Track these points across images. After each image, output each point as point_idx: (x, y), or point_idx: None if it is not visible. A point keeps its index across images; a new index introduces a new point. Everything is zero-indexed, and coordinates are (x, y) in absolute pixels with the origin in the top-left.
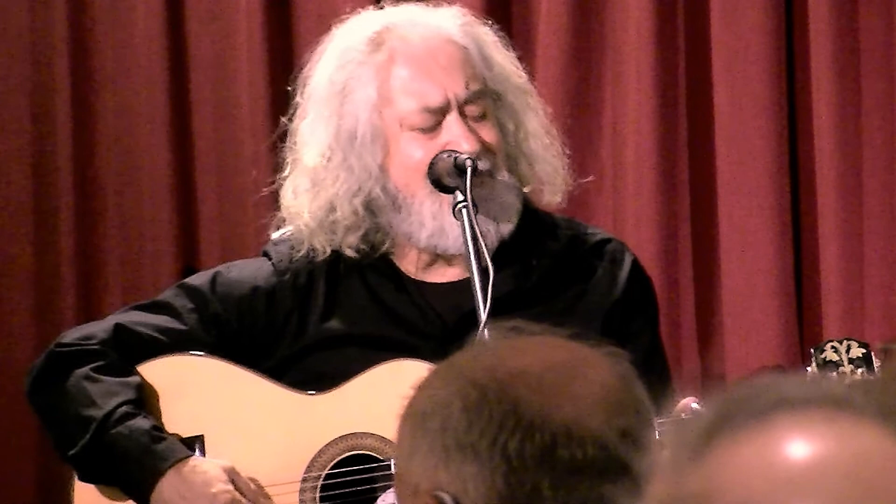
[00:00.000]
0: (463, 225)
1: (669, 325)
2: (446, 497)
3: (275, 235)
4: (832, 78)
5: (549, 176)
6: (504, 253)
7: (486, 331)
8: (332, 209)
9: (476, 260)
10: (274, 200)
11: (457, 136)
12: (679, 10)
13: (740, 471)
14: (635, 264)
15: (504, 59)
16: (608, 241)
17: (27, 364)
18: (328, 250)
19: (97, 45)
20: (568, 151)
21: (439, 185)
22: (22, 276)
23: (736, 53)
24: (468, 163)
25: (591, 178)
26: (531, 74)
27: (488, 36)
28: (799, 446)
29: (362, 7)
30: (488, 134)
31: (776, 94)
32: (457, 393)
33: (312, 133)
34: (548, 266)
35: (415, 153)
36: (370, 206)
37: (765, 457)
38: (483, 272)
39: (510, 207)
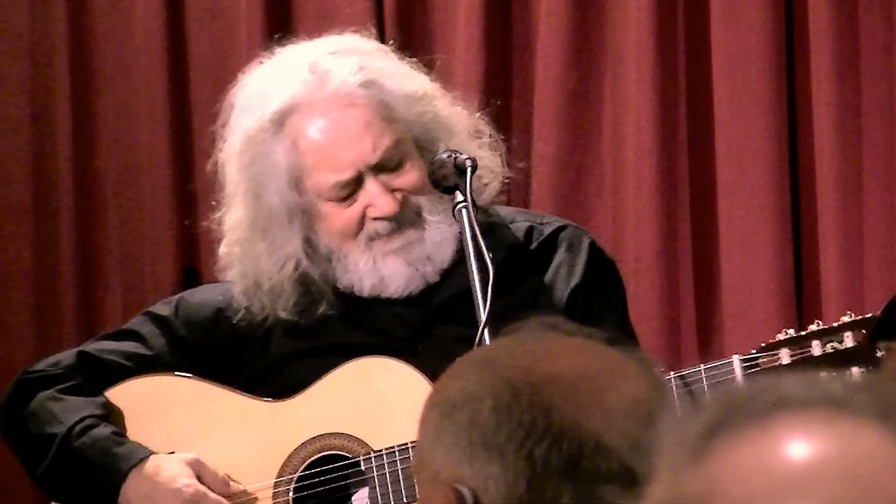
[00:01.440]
0: (463, 225)
1: (669, 325)
2: (466, 492)
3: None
4: (832, 78)
5: (485, 173)
6: (461, 249)
7: (485, 331)
8: (259, 284)
9: (476, 260)
10: None
11: (375, 199)
12: (679, 10)
13: (740, 471)
14: (593, 247)
15: (407, 88)
16: (564, 227)
17: (27, 364)
18: (265, 312)
19: (97, 45)
20: (501, 137)
21: (439, 185)
22: (22, 276)
23: (736, 53)
24: (468, 162)
25: (522, 165)
26: (531, 74)
27: (387, 70)
28: (798, 447)
29: (362, 7)
30: (409, 179)
31: (776, 94)
32: (489, 390)
33: (232, 196)
34: (505, 257)
35: (338, 220)
36: (300, 272)
37: (764, 457)
38: (483, 272)
39: (443, 244)
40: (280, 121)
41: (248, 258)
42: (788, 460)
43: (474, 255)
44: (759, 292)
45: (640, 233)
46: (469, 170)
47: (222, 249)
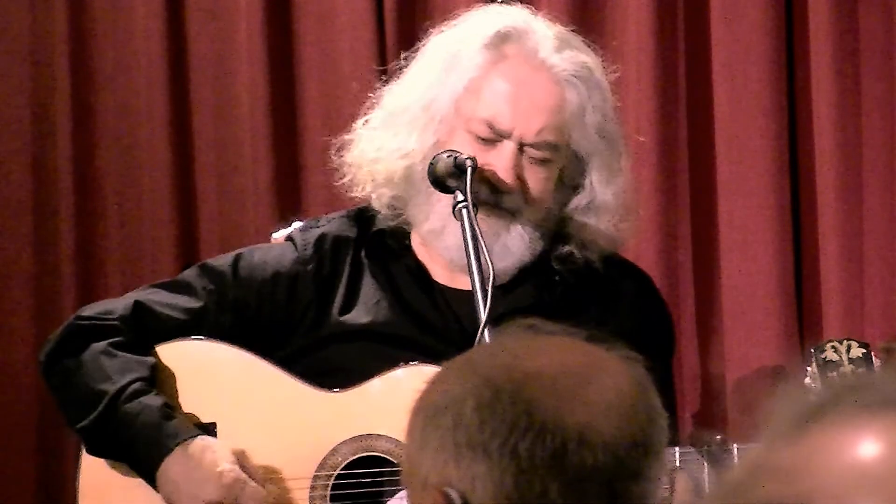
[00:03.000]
0: (463, 225)
1: None
2: (454, 494)
3: (275, 235)
4: (832, 78)
5: (599, 245)
6: (526, 266)
7: (485, 331)
8: (378, 160)
9: (475, 260)
10: (278, 191)
11: (501, 163)
12: (679, 10)
13: (830, 457)
14: (660, 299)
15: (602, 128)
16: (635, 270)
17: (27, 364)
18: (365, 190)
19: (97, 45)
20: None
21: (439, 184)
22: (22, 276)
23: (736, 53)
24: (468, 163)
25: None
26: None
27: (601, 98)
28: (890, 450)
29: (362, 7)
30: (537, 181)
31: (776, 94)
32: (471, 390)
33: (407, 80)
34: (570, 283)
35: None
36: (406, 178)
37: (855, 450)
38: (482, 272)
39: (509, 255)
40: (501, 39)
41: (381, 134)
42: (878, 460)
43: (474, 256)
44: (759, 292)
45: (640, 233)
46: (469, 170)
47: (359, 126)
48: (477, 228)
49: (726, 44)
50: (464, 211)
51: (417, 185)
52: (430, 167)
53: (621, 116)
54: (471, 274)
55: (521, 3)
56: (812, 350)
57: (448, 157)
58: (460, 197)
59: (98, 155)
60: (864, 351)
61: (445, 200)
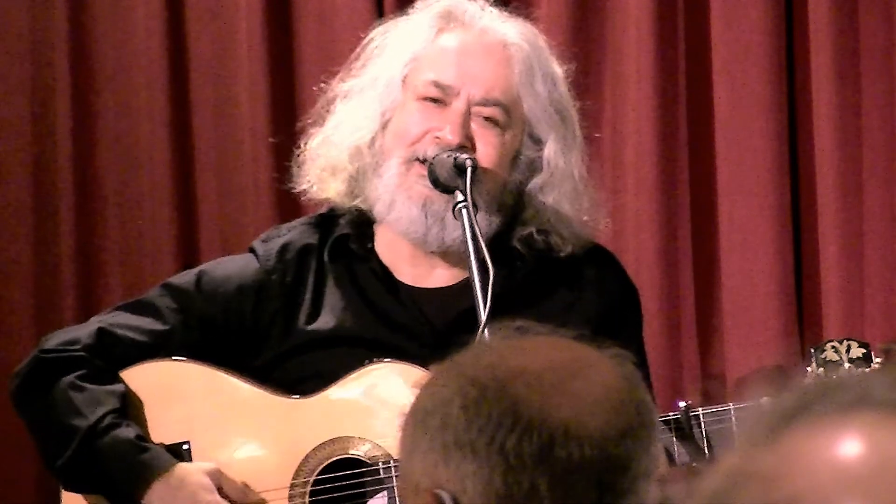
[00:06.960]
0: (463, 225)
1: (669, 325)
2: (445, 496)
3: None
4: (832, 78)
5: (560, 230)
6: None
7: (485, 331)
8: (328, 145)
9: (476, 259)
10: (278, 191)
11: (449, 122)
12: (679, 10)
13: (809, 460)
14: (624, 274)
15: (553, 98)
16: (596, 248)
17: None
18: (316, 181)
19: (97, 45)
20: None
21: (439, 184)
22: (22, 276)
23: (736, 53)
24: (468, 163)
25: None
26: None
27: (549, 66)
28: (870, 448)
29: (362, 7)
30: (489, 143)
31: (776, 94)
32: (457, 391)
33: (353, 72)
34: (534, 267)
35: (409, 117)
36: (355, 157)
37: (834, 451)
38: (483, 272)
39: (459, 224)
40: (444, 17)
41: (335, 120)
42: (858, 459)
43: (474, 255)
44: (759, 292)
45: (640, 233)
46: (469, 170)
47: (319, 123)
48: (477, 228)
49: (726, 44)
50: (464, 211)
51: (367, 164)
52: (429, 167)
53: (622, 117)
54: (471, 273)
55: (521, 3)
56: (812, 350)
57: (448, 156)
58: (460, 197)
59: (98, 155)
60: (864, 351)
61: (395, 170)
